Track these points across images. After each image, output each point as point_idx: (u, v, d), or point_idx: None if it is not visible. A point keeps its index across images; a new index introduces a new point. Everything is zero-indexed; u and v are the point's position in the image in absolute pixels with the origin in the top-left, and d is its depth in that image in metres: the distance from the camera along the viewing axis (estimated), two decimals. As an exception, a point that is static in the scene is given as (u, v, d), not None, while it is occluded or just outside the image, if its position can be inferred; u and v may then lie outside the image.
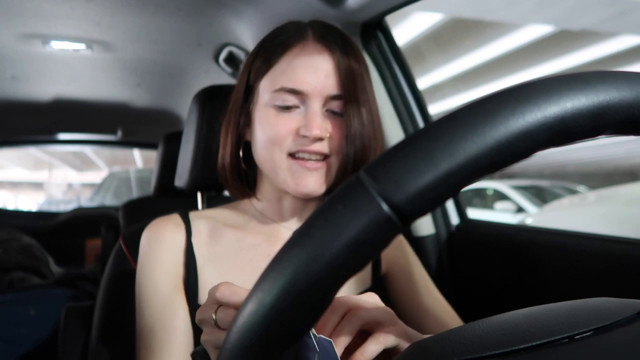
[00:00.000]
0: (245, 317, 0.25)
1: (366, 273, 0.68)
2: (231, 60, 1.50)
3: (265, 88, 0.60)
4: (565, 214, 3.60)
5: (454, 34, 6.47)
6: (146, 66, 1.70)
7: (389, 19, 1.11)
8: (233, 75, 1.57)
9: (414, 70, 1.13)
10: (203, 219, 0.65)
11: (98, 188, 5.83)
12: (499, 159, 0.23)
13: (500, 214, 5.65)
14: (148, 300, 0.58)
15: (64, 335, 0.83)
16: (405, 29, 6.16)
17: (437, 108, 9.16)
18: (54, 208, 7.51)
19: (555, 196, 5.72)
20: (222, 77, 1.64)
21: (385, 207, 0.22)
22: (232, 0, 1.17)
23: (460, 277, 1.06)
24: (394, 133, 1.11)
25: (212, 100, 0.79)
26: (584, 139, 0.25)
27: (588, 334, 0.27)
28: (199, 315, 0.41)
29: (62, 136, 2.68)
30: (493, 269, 0.96)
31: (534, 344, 0.26)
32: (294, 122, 0.58)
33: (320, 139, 0.57)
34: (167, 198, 1.32)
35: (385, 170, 0.23)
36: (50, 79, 1.81)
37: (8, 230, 2.18)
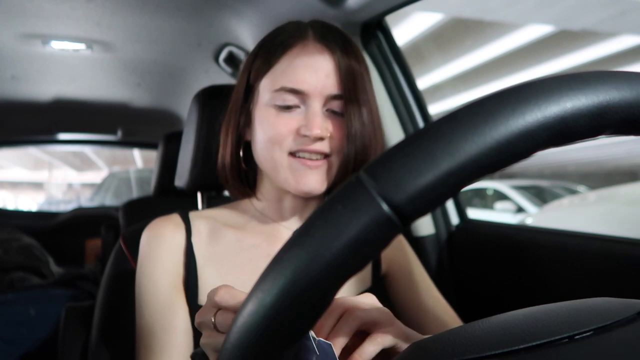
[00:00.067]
0: (245, 317, 0.25)
1: (366, 273, 0.68)
2: (231, 60, 1.50)
3: (266, 88, 0.60)
4: (565, 214, 3.60)
5: (454, 34, 6.47)
6: (146, 66, 1.70)
7: (389, 19, 1.11)
8: (233, 75, 1.57)
9: (414, 70, 1.13)
10: (203, 219, 0.65)
11: (98, 188, 5.83)
12: (499, 159, 0.23)
13: (500, 214, 5.65)
14: (148, 300, 0.58)
15: (64, 335, 0.83)
16: (405, 29, 6.16)
17: (437, 108, 9.16)
18: (54, 208, 7.52)
19: (555, 196, 5.72)
20: (222, 77, 1.64)
21: (385, 207, 0.22)
22: (232, 0, 1.17)
23: (460, 277, 1.06)
24: (394, 133, 1.11)
25: (212, 100, 0.79)
26: (584, 139, 0.25)
27: (588, 334, 0.27)
28: (198, 318, 0.41)
29: (62, 136, 2.68)
30: (493, 269, 0.96)
31: (534, 344, 0.26)
32: (294, 121, 0.58)
33: (321, 139, 0.57)
34: (167, 198, 1.32)
35: (385, 170, 0.23)
36: (50, 79, 1.81)
37: (8, 230, 2.18)
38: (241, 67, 0.65)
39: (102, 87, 1.94)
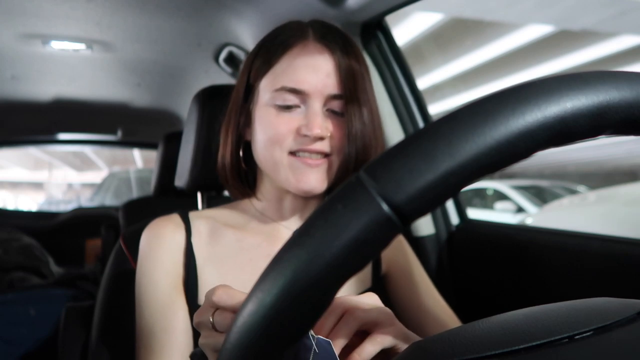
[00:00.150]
0: (245, 317, 0.25)
1: (366, 273, 0.68)
2: (231, 60, 1.50)
3: (266, 88, 0.60)
4: (565, 214, 3.60)
5: (454, 34, 6.47)
6: (146, 66, 1.70)
7: (389, 19, 1.11)
8: (233, 75, 1.57)
9: (414, 70, 1.13)
10: (203, 219, 0.65)
11: (98, 188, 5.83)
12: (499, 159, 0.23)
13: (500, 214, 5.65)
14: (148, 300, 0.58)
15: (64, 335, 0.83)
16: (405, 29, 6.16)
17: (437, 108, 9.16)
18: (54, 208, 7.52)
19: (555, 196, 5.72)
20: (222, 77, 1.64)
21: (385, 207, 0.22)
22: (232, 0, 1.17)
23: (460, 277, 1.06)
24: (394, 133, 1.11)
25: (212, 100, 0.79)
26: (584, 139, 0.25)
27: (588, 334, 0.27)
28: (196, 318, 0.41)
29: (62, 136, 2.68)
30: (493, 269, 0.96)
31: (534, 344, 0.26)
32: (294, 121, 0.58)
33: (321, 138, 0.57)
34: (167, 198, 1.32)
35: (385, 170, 0.23)
36: (50, 79, 1.81)
37: (8, 230, 2.18)
38: (241, 67, 0.65)
39: (102, 87, 1.94)
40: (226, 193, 0.81)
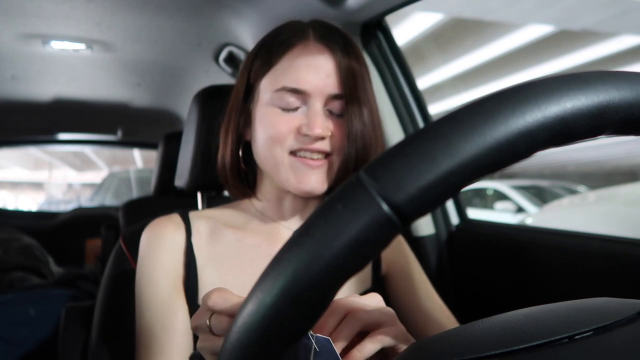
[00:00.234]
0: (245, 317, 0.25)
1: (366, 273, 0.68)
2: (231, 60, 1.50)
3: (266, 88, 0.60)
4: (565, 214, 3.60)
5: (454, 34, 6.47)
6: (146, 66, 1.70)
7: (389, 19, 1.11)
8: (233, 75, 1.57)
9: (414, 70, 1.14)
10: (203, 219, 0.65)
11: (98, 188, 5.83)
12: (499, 159, 0.23)
13: (500, 214, 5.65)
14: (148, 300, 0.58)
15: (64, 335, 0.83)
16: (405, 29, 6.16)
17: (437, 108, 9.16)
18: (54, 208, 7.52)
19: (555, 196, 5.72)
20: (222, 77, 1.64)
21: (385, 207, 0.22)
22: (232, 0, 1.17)
23: (460, 277, 1.06)
24: (394, 133, 1.11)
25: (212, 100, 0.79)
26: (584, 139, 0.25)
27: (588, 334, 0.27)
28: (193, 322, 0.41)
29: (62, 136, 2.68)
30: (493, 269, 0.96)
31: (534, 344, 0.26)
32: (295, 121, 0.58)
33: (322, 138, 0.57)
34: (167, 198, 1.32)
35: (385, 170, 0.23)
36: (50, 79, 1.81)
37: (8, 230, 2.18)
38: (241, 67, 0.65)
39: (102, 87, 1.94)
40: (226, 193, 0.81)
